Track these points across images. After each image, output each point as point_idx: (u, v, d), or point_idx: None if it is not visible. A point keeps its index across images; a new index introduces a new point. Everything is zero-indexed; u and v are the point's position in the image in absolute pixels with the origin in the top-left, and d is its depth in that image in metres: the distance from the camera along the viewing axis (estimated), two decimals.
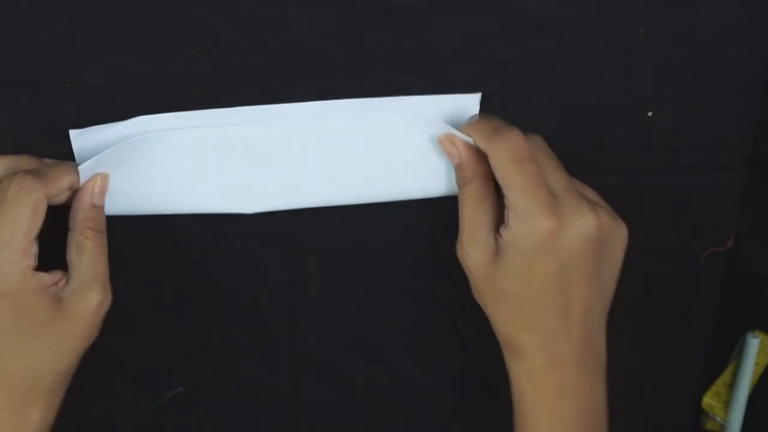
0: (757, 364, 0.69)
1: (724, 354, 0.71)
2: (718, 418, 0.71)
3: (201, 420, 0.63)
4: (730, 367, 0.71)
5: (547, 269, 0.49)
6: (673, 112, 0.55)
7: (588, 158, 0.56)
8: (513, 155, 0.49)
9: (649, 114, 0.55)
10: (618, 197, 0.57)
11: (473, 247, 0.51)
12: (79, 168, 0.51)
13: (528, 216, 0.48)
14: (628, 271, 0.60)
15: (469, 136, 0.51)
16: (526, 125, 0.55)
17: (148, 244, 0.56)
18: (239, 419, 0.63)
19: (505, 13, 0.52)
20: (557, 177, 0.50)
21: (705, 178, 0.57)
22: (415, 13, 0.51)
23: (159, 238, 0.56)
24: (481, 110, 0.54)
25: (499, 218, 0.51)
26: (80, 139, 0.52)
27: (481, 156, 0.52)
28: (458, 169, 0.53)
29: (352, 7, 0.51)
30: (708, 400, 0.71)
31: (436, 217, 0.57)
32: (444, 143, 0.53)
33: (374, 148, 0.54)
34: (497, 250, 0.50)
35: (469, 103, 0.53)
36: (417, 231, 0.58)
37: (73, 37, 0.50)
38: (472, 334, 0.61)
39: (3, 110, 0.52)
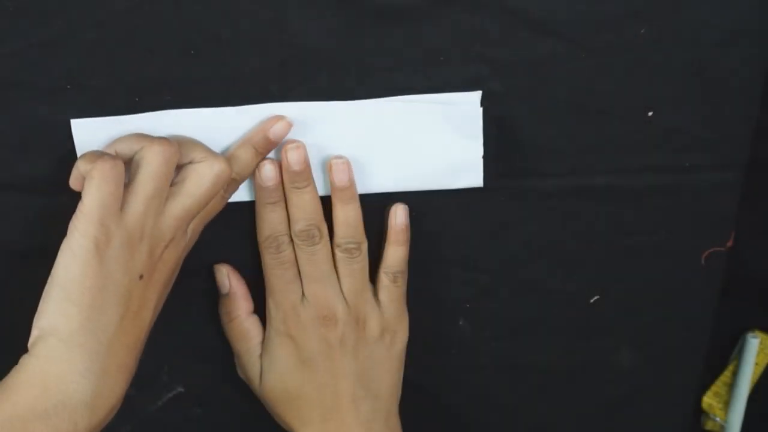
0: (757, 364, 0.69)
1: (724, 354, 0.71)
2: (718, 418, 0.71)
3: (201, 420, 0.63)
4: (730, 367, 0.71)
5: None
6: (673, 112, 0.55)
7: (588, 158, 0.56)
8: None
9: (649, 114, 0.55)
10: (618, 197, 0.57)
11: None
12: (80, 153, 0.52)
13: None
14: (628, 271, 0.60)
15: None
16: (526, 125, 0.55)
17: None
18: (239, 419, 0.63)
19: (505, 13, 0.52)
20: None
21: (705, 178, 0.57)
22: (415, 13, 0.51)
23: None
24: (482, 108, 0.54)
25: None
26: (82, 129, 0.52)
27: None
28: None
29: (352, 7, 0.51)
30: (708, 400, 0.71)
31: (436, 216, 0.57)
32: (219, 273, 0.58)
33: (376, 139, 0.54)
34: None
35: (470, 101, 0.53)
36: (417, 230, 0.58)
37: (73, 37, 0.50)
38: (472, 334, 0.61)
39: (3, 110, 0.52)
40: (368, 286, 0.57)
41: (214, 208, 0.53)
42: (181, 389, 0.62)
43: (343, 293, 0.56)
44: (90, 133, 0.53)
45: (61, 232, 0.54)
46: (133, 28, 0.51)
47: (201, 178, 0.51)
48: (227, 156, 0.53)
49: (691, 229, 0.58)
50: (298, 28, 0.51)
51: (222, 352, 0.61)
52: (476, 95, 0.53)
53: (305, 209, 0.54)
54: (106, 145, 0.52)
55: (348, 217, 0.55)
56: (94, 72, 0.51)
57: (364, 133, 0.54)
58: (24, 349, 0.55)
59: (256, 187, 0.54)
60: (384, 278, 0.57)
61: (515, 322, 0.61)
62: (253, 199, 0.55)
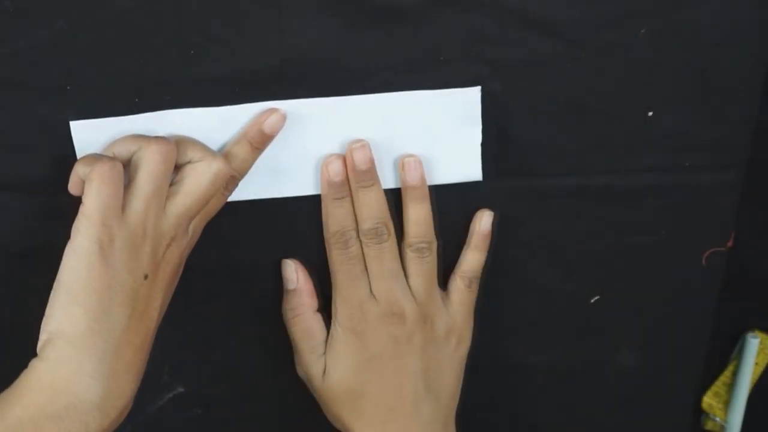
0: (757, 364, 0.69)
1: (724, 354, 0.71)
2: (718, 418, 0.71)
3: (201, 420, 0.63)
4: (730, 367, 0.71)
5: None
6: (673, 112, 0.55)
7: (588, 158, 0.56)
8: None
9: (649, 114, 0.55)
10: (618, 197, 0.57)
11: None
12: (79, 154, 0.52)
13: None
14: (628, 271, 0.60)
15: None
16: (526, 125, 0.55)
17: None
18: (239, 419, 0.63)
19: (505, 13, 0.52)
20: None
21: (705, 178, 0.57)
22: (415, 13, 0.51)
23: None
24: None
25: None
26: (81, 130, 0.52)
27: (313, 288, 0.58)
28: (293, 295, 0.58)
29: (352, 7, 0.51)
30: (708, 400, 0.71)
31: (435, 216, 0.57)
32: (287, 269, 0.58)
33: (376, 134, 0.55)
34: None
35: (470, 96, 0.54)
36: None
37: (73, 37, 0.50)
38: (474, 333, 0.61)
39: (3, 110, 0.52)
40: (437, 286, 0.57)
41: (215, 206, 0.53)
42: (181, 389, 0.62)
43: (411, 292, 0.56)
44: (89, 134, 0.53)
45: (61, 232, 0.54)
46: (133, 28, 0.51)
47: (200, 177, 0.51)
48: (224, 153, 0.53)
49: (691, 229, 0.58)
50: (298, 28, 0.51)
51: (222, 352, 0.61)
52: (476, 90, 0.53)
53: (372, 207, 0.55)
54: (104, 147, 0.52)
55: (419, 216, 0.55)
56: (94, 72, 0.51)
57: (363, 129, 0.54)
58: (24, 348, 0.55)
59: (322, 182, 0.55)
60: (459, 282, 0.58)
61: (515, 322, 0.61)
62: (254, 197, 0.55)
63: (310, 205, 0.56)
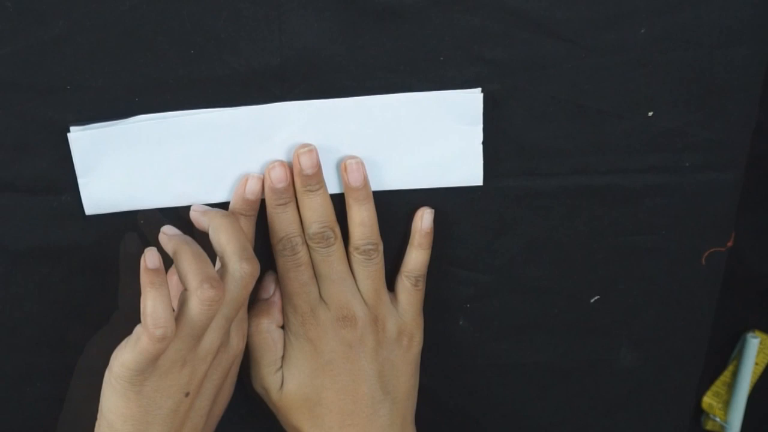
0: (756, 364, 0.69)
1: (724, 354, 0.71)
2: (718, 418, 0.71)
3: None
4: (730, 367, 0.71)
5: None
6: (673, 112, 0.55)
7: (588, 158, 0.56)
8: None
9: (649, 114, 0.55)
10: (618, 197, 0.57)
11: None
12: (78, 164, 0.52)
13: None
14: (628, 271, 0.60)
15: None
16: (526, 125, 0.55)
17: (146, 244, 0.56)
18: (239, 419, 0.63)
19: (505, 13, 0.52)
20: None
21: (705, 178, 0.57)
22: (415, 13, 0.51)
23: (154, 237, 0.56)
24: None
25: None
26: (79, 137, 0.52)
27: None
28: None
29: (352, 7, 0.51)
30: (708, 400, 0.71)
31: (436, 216, 0.57)
32: (267, 278, 0.58)
33: (376, 136, 0.54)
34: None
35: (471, 98, 0.54)
36: None
37: (73, 38, 0.50)
38: (472, 334, 0.61)
39: (3, 110, 0.52)
40: (385, 287, 0.57)
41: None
42: None
43: (361, 294, 0.56)
44: (87, 143, 0.53)
45: (61, 232, 0.55)
46: (133, 28, 0.51)
47: (234, 283, 0.51)
48: (229, 248, 0.52)
49: (691, 229, 0.58)
50: (298, 28, 0.51)
51: None
52: (477, 92, 0.53)
53: (319, 212, 0.54)
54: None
55: (364, 218, 0.55)
56: (94, 72, 0.51)
57: (363, 131, 0.54)
58: (24, 348, 0.55)
59: (266, 190, 0.54)
60: (405, 281, 0.58)
61: (515, 322, 0.61)
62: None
63: None
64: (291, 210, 0.55)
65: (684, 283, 0.60)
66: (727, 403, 0.71)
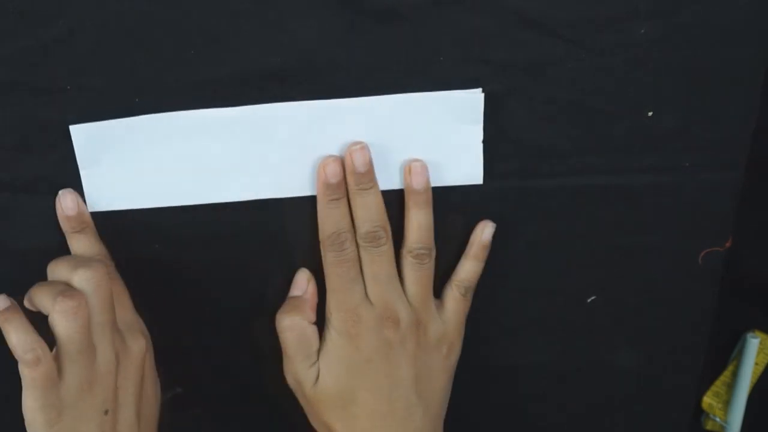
0: (756, 364, 0.69)
1: (724, 354, 0.71)
2: (718, 418, 0.71)
3: (200, 420, 0.63)
4: (730, 367, 0.71)
5: None
6: (673, 112, 0.55)
7: (588, 158, 0.56)
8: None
9: (649, 114, 0.55)
10: (618, 197, 0.57)
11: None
12: (79, 156, 0.53)
13: None
14: (627, 271, 0.60)
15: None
16: (526, 125, 0.55)
17: (146, 244, 0.56)
18: (239, 419, 0.63)
19: (505, 13, 0.52)
20: None
21: (705, 178, 0.57)
22: (415, 13, 0.51)
23: (156, 237, 0.56)
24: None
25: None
26: (81, 130, 0.52)
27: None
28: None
29: (352, 7, 0.51)
30: (708, 400, 0.71)
31: (436, 216, 0.57)
32: (300, 275, 0.58)
33: (377, 136, 0.55)
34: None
35: (472, 99, 0.54)
36: None
37: (73, 38, 0.50)
38: (473, 334, 0.61)
39: (3, 110, 0.52)
40: (432, 293, 0.57)
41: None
42: (180, 390, 0.62)
43: (407, 297, 0.56)
44: (89, 137, 0.53)
45: (61, 233, 0.55)
46: (133, 28, 0.51)
47: (86, 290, 0.51)
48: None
49: (691, 229, 0.58)
50: (298, 28, 0.51)
51: (222, 352, 0.61)
52: (478, 92, 0.53)
53: (371, 210, 0.54)
54: (103, 151, 0.53)
55: (421, 222, 0.55)
56: (94, 72, 0.51)
57: (364, 131, 0.54)
58: None
59: (318, 184, 0.54)
60: (455, 290, 0.58)
61: (515, 322, 0.61)
62: (250, 198, 0.56)
63: (311, 207, 0.56)
64: (343, 206, 0.55)
65: (684, 283, 0.60)
66: (727, 403, 0.71)
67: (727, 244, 0.59)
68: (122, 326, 0.53)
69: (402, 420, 0.56)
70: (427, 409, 0.57)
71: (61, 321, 0.49)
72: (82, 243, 0.54)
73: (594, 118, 0.55)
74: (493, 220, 0.57)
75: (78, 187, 0.54)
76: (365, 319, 0.55)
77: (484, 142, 0.55)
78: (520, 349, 0.62)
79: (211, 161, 0.54)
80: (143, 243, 0.56)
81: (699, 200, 0.57)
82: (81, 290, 0.50)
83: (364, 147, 0.54)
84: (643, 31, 0.52)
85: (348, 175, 0.54)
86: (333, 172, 0.54)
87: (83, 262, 0.51)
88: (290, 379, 0.58)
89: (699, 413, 0.72)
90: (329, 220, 0.55)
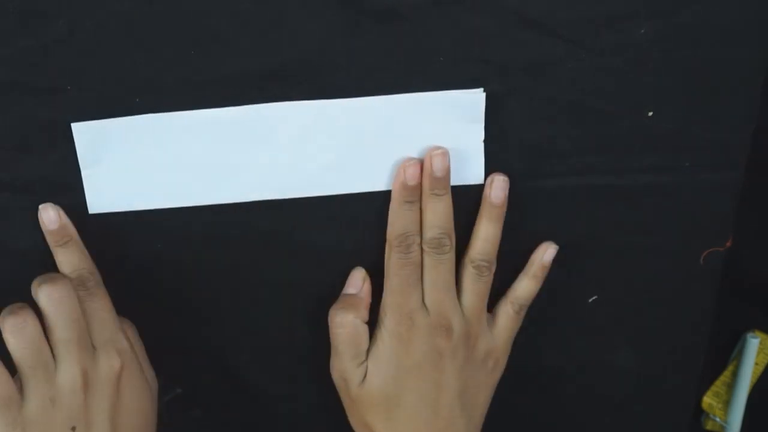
0: (756, 364, 0.69)
1: (724, 354, 0.71)
2: (718, 418, 0.71)
3: (200, 421, 0.63)
4: (730, 367, 0.71)
5: None
6: (673, 112, 0.55)
7: (588, 158, 0.56)
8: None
9: (649, 114, 0.55)
10: (618, 197, 0.57)
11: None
12: (81, 156, 0.53)
13: None
14: (627, 271, 0.60)
15: None
16: (526, 125, 0.55)
17: (145, 244, 0.56)
18: (239, 420, 0.63)
19: (505, 13, 0.52)
20: None
21: (705, 178, 0.57)
22: (415, 13, 0.51)
23: (156, 237, 0.56)
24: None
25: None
26: (82, 129, 0.52)
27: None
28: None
29: (352, 7, 0.51)
30: (708, 400, 0.71)
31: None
32: (356, 274, 0.58)
33: (377, 136, 0.54)
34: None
35: (474, 99, 0.54)
36: None
37: (73, 38, 0.50)
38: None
39: (3, 110, 0.52)
40: (486, 307, 0.57)
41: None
42: (180, 390, 0.62)
43: (462, 308, 0.56)
44: (91, 135, 0.53)
45: None
46: (133, 28, 0.51)
47: (47, 307, 0.51)
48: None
49: (691, 229, 0.58)
50: (298, 28, 0.51)
51: (222, 352, 0.61)
52: (479, 92, 0.53)
53: (441, 216, 0.54)
54: (104, 148, 0.52)
55: (489, 235, 0.56)
56: (94, 72, 0.51)
57: (364, 131, 0.54)
58: None
59: (396, 184, 0.55)
60: (509, 307, 0.58)
61: None
62: (253, 199, 0.56)
63: (311, 207, 0.56)
64: (416, 209, 0.55)
65: (684, 283, 0.60)
66: (727, 403, 0.71)
67: (728, 244, 0.59)
68: (97, 343, 0.53)
69: (444, 429, 0.56)
70: (469, 420, 0.57)
71: (9, 338, 0.50)
72: (66, 256, 0.54)
73: (594, 118, 0.55)
74: None
75: (78, 187, 0.54)
76: (419, 324, 0.55)
77: (484, 142, 0.55)
78: (520, 348, 0.62)
79: (211, 161, 0.54)
80: (144, 243, 0.56)
81: (699, 200, 0.57)
82: (44, 307, 0.50)
83: (445, 153, 0.54)
84: (643, 31, 0.52)
85: (424, 177, 0.54)
86: (412, 175, 0.54)
87: (48, 278, 0.51)
88: (336, 376, 0.58)
89: (699, 413, 0.72)
90: (400, 221, 0.55)
